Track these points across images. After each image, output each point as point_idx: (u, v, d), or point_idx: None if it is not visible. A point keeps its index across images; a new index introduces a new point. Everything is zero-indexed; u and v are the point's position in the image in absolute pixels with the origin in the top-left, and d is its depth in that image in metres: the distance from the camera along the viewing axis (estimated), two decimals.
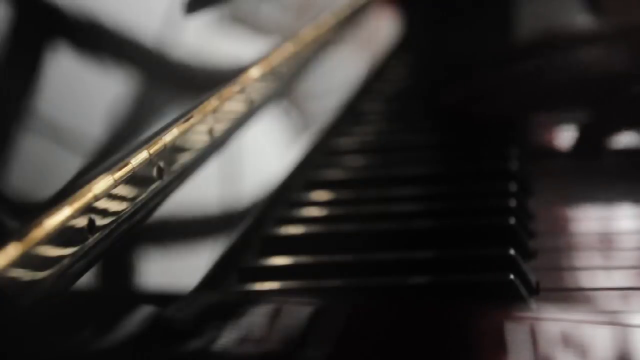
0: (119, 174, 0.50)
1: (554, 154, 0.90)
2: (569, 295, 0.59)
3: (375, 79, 1.10)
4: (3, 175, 0.42)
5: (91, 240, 0.47)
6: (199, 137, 0.62)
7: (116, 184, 0.49)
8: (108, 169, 0.49)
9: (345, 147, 0.88)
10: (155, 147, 0.55)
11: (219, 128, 0.65)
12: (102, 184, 0.48)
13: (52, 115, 0.48)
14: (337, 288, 0.60)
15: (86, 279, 0.47)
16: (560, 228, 0.70)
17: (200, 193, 0.61)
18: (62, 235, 0.44)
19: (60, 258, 0.44)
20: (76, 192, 0.46)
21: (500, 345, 0.47)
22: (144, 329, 0.49)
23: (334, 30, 1.00)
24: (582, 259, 0.65)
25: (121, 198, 0.51)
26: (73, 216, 0.45)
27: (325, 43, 0.96)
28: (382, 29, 1.26)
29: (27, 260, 0.41)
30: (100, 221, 0.48)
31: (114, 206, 0.50)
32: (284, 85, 0.81)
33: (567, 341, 0.48)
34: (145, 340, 0.49)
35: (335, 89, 0.97)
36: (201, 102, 0.63)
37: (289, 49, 0.83)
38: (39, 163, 0.45)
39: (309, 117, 0.87)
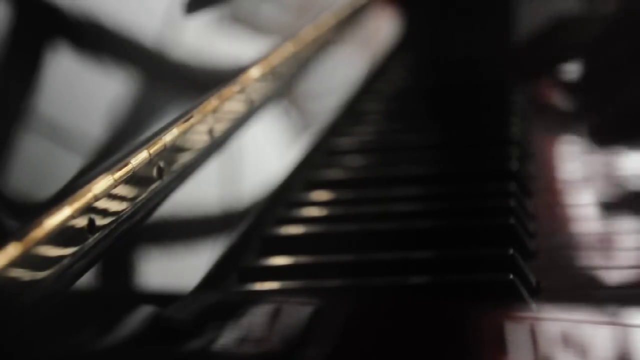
0: (119, 174, 0.50)
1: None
2: (569, 295, 0.59)
3: (375, 79, 1.10)
4: (3, 175, 0.42)
5: (91, 240, 0.47)
6: (199, 137, 0.62)
7: (116, 184, 0.49)
8: (108, 169, 0.49)
9: (345, 147, 0.88)
10: (155, 147, 0.55)
11: (219, 128, 0.65)
12: (102, 184, 0.48)
13: (52, 115, 0.48)
14: (337, 288, 0.60)
15: (86, 279, 0.47)
16: (560, 228, 0.70)
17: (200, 193, 0.61)
18: (62, 235, 0.44)
19: (60, 258, 0.44)
20: (76, 192, 0.46)
21: (500, 345, 0.47)
22: (144, 329, 0.49)
23: (334, 30, 1.00)
24: (582, 259, 0.65)
25: (121, 198, 0.51)
26: (73, 216, 0.45)
27: (325, 43, 0.96)
28: (382, 29, 1.26)
29: (27, 260, 0.41)
30: (100, 221, 0.48)
31: (114, 206, 0.50)
32: (284, 85, 0.81)
33: (567, 341, 0.48)
34: (146, 340, 0.49)
35: (335, 89, 0.97)
36: (201, 102, 0.63)
37: (289, 49, 0.83)
38: (39, 163, 0.45)
39: (309, 117, 0.87)
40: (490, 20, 1.27)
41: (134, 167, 0.52)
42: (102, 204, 0.48)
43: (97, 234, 0.48)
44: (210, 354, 0.49)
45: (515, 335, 0.48)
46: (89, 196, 0.47)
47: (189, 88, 0.65)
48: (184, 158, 0.59)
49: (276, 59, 0.79)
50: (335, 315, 0.53)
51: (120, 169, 0.50)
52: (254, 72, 0.73)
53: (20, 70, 0.47)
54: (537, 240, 0.66)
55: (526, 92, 1.02)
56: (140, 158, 0.53)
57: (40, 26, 0.49)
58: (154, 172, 0.55)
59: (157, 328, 0.50)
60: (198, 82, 0.66)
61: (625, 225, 0.69)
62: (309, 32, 0.90)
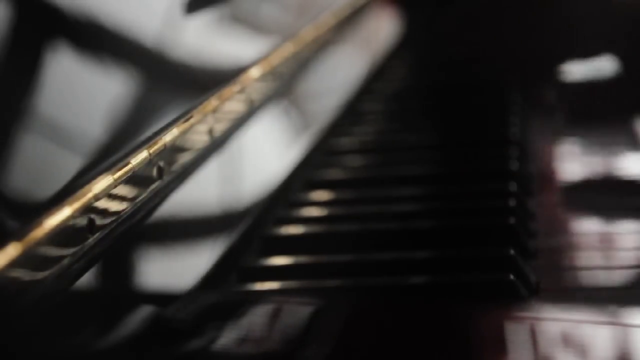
0: (119, 174, 0.50)
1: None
2: (569, 295, 0.59)
3: (375, 79, 1.10)
4: (3, 175, 0.42)
5: (91, 240, 0.47)
6: (199, 137, 0.62)
7: (116, 184, 0.49)
8: (108, 169, 0.49)
9: (345, 147, 0.88)
10: (155, 147, 0.55)
11: (219, 128, 0.65)
12: (102, 184, 0.48)
13: (52, 115, 0.48)
14: (337, 288, 0.60)
15: (86, 279, 0.47)
16: (561, 228, 0.70)
17: (200, 193, 0.61)
18: (62, 235, 0.44)
19: (60, 258, 0.44)
20: (76, 192, 0.46)
21: (500, 345, 0.47)
22: (144, 329, 0.49)
23: (334, 30, 1.00)
24: (582, 259, 0.65)
25: (121, 198, 0.51)
26: (73, 216, 0.45)
27: (325, 43, 0.96)
28: (382, 29, 1.26)
29: (27, 260, 0.41)
30: (100, 221, 0.48)
31: (114, 206, 0.50)
32: (284, 85, 0.81)
33: (567, 341, 0.48)
34: (145, 340, 0.49)
35: (335, 89, 0.97)
36: (201, 102, 0.63)
37: (289, 49, 0.83)
38: (39, 163, 0.45)
39: (309, 117, 0.87)
40: (490, 20, 1.27)
41: (134, 167, 0.52)
42: (102, 204, 0.48)
43: (97, 234, 0.48)
44: (210, 354, 0.49)
45: (515, 335, 0.48)
46: (89, 196, 0.47)
47: (189, 88, 0.65)
48: (184, 158, 0.59)
49: (276, 59, 0.79)
50: (335, 315, 0.53)
51: (120, 169, 0.50)
52: (254, 72, 0.73)
53: (21, 70, 0.47)
54: (537, 240, 0.66)
55: (526, 91, 1.02)
56: (140, 158, 0.53)
57: (40, 26, 0.49)
58: (154, 172, 0.55)
59: (157, 328, 0.50)
60: (198, 82, 0.66)
61: (625, 226, 0.69)
62: (309, 32, 0.90)
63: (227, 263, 0.61)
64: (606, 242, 0.66)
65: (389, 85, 1.11)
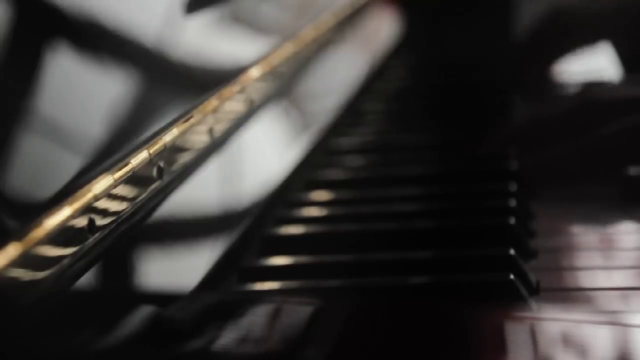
0: (119, 174, 0.50)
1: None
2: (569, 295, 0.59)
3: (375, 79, 1.10)
4: (3, 175, 0.42)
5: (91, 240, 0.47)
6: (199, 137, 0.62)
7: (116, 184, 0.49)
8: (108, 169, 0.49)
9: (345, 147, 0.88)
10: (155, 147, 0.55)
11: (219, 128, 0.65)
12: (102, 184, 0.48)
13: (52, 115, 0.48)
14: (337, 288, 0.60)
15: (86, 279, 0.47)
16: (560, 228, 0.70)
17: (200, 193, 0.61)
18: (62, 235, 0.44)
19: (60, 258, 0.44)
20: (76, 192, 0.46)
21: (500, 345, 0.47)
22: (143, 329, 0.49)
23: (334, 30, 1.00)
24: (582, 259, 0.65)
25: (121, 198, 0.51)
26: (73, 216, 0.45)
27: (325, 43, 0.96)
28: (382, 29, 1.26)
29: (27, 260, 0.41)
30: (100, 221, 0.48)
31: (114, 206, 0.50)
32: (284, 85, 0.81)
33: (567, 341, 0.48)
34: (145, 340, 0.49)
35: (335, 89, 0.97)
36: (201, 102, 0.63)
37: (289, 49, 0.83)
38: (39, 163, 0.45)
39: (309, 117, 0.87)
40: (491, 20, 1.27)
41: (134, 167, 0.52)
42: (102, 204, 0.48)
43: (97, 234, 0.48)
44: (210, 354, 0.49)
45: (515, 335, 0.48)
46: (89, 196, 0.47)
47: (189, 88, 0.65)
48: (184, 158, 0.59)
49: (276, 59, 0.79)
50: (335, 315, 0.53)
51: (120, 169, 0.50)
52: (254, 72, 0.73)
53: (21, 70, 0.47)
54: (537, 240, 0.66)
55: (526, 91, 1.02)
56: (140, 158, 0.53)
57: (40, 26, 0.49)
58: (154, 172, 0.55)
59: (157, 328, 0.50)
60: (198, 82, 0.66)
61: (625, 226, 0.69)
62: (309, 32, 0.90)
63: (227, 263, 0.61)
64: (606, 242, 0.66)
65: (389, 85, 1.11)
